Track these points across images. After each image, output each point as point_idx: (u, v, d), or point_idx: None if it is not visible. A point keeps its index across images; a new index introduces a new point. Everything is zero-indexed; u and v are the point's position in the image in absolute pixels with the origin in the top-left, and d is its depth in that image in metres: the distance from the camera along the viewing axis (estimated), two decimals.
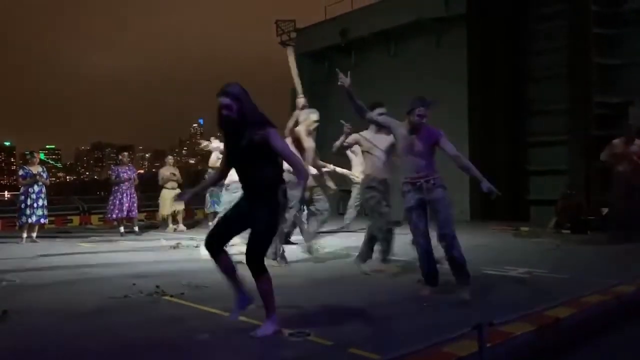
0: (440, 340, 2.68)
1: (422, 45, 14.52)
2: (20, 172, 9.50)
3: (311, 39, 17.78)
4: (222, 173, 3.83)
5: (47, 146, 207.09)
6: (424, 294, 4.48)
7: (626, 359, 3.57)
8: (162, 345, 3.32)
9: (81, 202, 13.71)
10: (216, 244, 3.53)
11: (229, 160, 3.63)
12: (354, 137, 5.59)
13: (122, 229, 10.19)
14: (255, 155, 3.43)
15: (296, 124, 6.16)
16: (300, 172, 3.54)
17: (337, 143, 5.66)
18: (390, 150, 5.35)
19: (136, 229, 10.34)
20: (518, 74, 12.07)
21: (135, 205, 10.31)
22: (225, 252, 3.56)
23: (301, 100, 6.34)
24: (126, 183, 10.19)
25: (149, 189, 15.89)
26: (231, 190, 7.92)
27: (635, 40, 11.02)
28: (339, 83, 4.51)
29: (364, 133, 5.54)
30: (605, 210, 9.82)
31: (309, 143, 6.16)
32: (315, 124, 6.14)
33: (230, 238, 3.61)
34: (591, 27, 10.87)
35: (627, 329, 3.94)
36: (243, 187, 3.59)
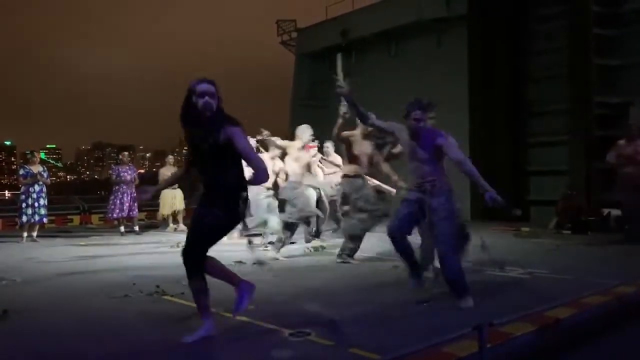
0: (440, 340, 2.68)
1: (422, 45, 14.53)
2: (21, 172, 9.51)
3: (312, 39, 17.80)
4: (186, 170, 3.65)
5: (48, 145, 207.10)
6: (423, 298, 4.26)
7: (627, 359, 3.57)
8: (162, 345, 3.32)
9: (81, 201, 13.71)
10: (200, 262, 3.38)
11: (194, 160, 3.42)
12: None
13: (122, 228, 10.19)
14: (220, 156, 3.27)
15: (342, 128, 6.13)
16: (259, 172, 3.31)
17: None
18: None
19: (136, 228, 10.34)
20: (518, 74, 12.08)
21: (135, 204, 10.32)
22: (209, 259, 3.42)
23: (343, 108, 6.03)
24: (127, 182, 10.21)
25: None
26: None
27: (636, 41, 11.03)
28: (337, 91, 4.37)
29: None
30: (606, 211, 9.83)
31: (364, 147, 6.15)
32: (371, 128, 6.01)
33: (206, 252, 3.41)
34: (591, 27, 10.87)
35: (627, 329, 3.94)
36: (204, 189, 3.41)
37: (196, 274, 3.33)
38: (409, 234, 4.36)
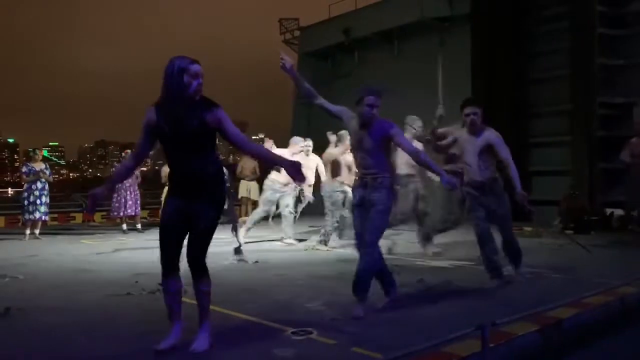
0: (442, 340, 2.67)
1: (425, 44, 14.51)
2: (24, 169, 9.53)
3: (314, 38, 17.78)
4: (137, 160, 3.28)
5: (51, 143, 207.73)
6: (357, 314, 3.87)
7: (629, 359, 3.57)
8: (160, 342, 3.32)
9: (84, 199, 13.71)
10: (171, 262, 3.14)
11: (169, 149, 3.09)
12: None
13: (124, 226, 10.20)
14: (203, 142, 3.03)
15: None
16: (274, 160, 3.16)
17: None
18: None
19: (139, 226, 10.35)
20: (521, 74, 12.04)
21: (138, 202, 10.34)
22: (178, 274, 3.17)
23: (440, 110, 5.86)
24: (129, 180, 10.20)
25: (151, 186, 15.90)
26: (277, 190, 7.94)
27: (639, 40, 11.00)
28: (280, 65, 3.92)
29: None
30: (609, 211, 9.81)
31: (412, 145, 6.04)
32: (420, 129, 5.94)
33: (180, 248, 3.16)
34: (595, 27, 10.84)
35: (630, 329, 3.93)
36: (180, 181, 3.11)
37: (205, 274, 3.16)
38: None
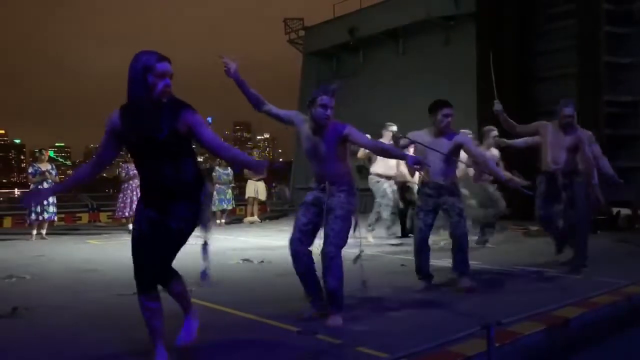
0: (448, 339, 2.66)
1: (431, 43, 14.48)
2: (30, 170, 9.57)
3: (319, 38, 17.78)
4: (96, 168, 2.98)
5: (57, 144, 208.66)
6: (304, 315, 3.78)
7: (636, 359, 3.55)
8: (171, 342, 3.33)
9: (90, 199, 13.75)
10: (149, 281, 2.87)
11: (137, 156, 2.81)
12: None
13: (130, 226, 10.20)
14: (175, 150, 2.72)
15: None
16: (245, 163, 2.88)
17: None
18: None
19: None
20: (527, 73, 12.00)
21: None
22: (158, 292, 2.91)
23: (498, 105, 5.90)
24: (135, 180, 10.23)
25: None
26: (379, 182, 8.03)
27: None
28: (224, 69, 3.67)
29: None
30: (615, 210, 9.74)
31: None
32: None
33: (161, 267, 2.89)
34: (602, 25, 10.78)
35: (637, 329, 3.91)
36: (150, 191, 2.83)
37: (178, 277, 2.97)
38: (311, 245, 3.86)
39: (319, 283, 3.84)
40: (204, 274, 3.15)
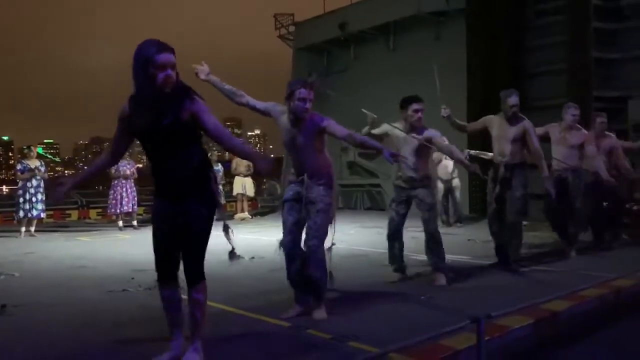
0: (438, 333, 2.68)
1: (421, 38, 14.49)
2: (19, 167, 9.50)
3: (310, 33, 17.72)
4: (112, 156, 3.03)
5: (46, 140, 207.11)
6: (288, 314, 3.77)
7: (624, 352, 3.58)
8: (161, 339, 3.32)
9: (80, 196, 13.68)
10: (167, 272, 2.90)
11: (146, 145, 2.85)
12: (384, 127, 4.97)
13: (120, 223, 10.19)
14: (181, 137, 2.75)
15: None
16: (248, 155, 2.92)
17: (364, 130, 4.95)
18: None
19: (135, 223, 10.34)
20: (518, 68, 12.04)
21: (135, 199, 10.34)
22: (176, 283, 2.93)
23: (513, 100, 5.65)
24: (126, 177, 10.21)
25: (148, 183, 15.87)
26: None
27: (635, 34, 11.01)
28: (195, 70, 3.72)
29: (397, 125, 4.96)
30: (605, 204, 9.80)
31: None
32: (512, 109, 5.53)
33: (179, 258, 2.91)
34: (591, 21, 10.85)
35: (625, 322, 3.96)
36: (162, 180, 2.86)
37: (202, 281, 2.89)
38: (301, 242, 3.87)
39: (309, 285, 3.83)
40: (232, 254, 3.26)
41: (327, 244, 3.90)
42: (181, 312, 2.95)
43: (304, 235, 3.85)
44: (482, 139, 11.62)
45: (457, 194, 10.19)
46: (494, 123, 5.61)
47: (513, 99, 5.45)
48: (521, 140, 5.46)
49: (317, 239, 3.71)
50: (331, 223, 3.87)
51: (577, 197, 6.10)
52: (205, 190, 2.84)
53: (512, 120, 5.47)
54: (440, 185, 10.11)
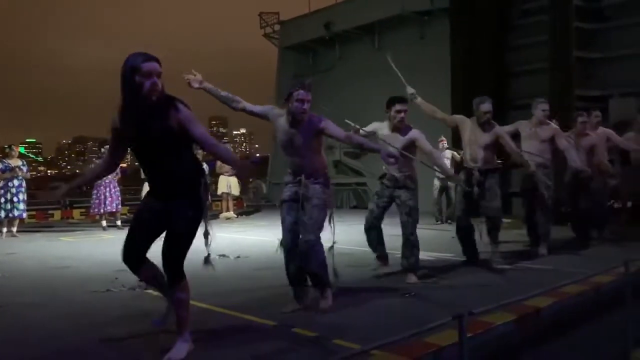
0: (421, 330, 2.70)
1: (406, 38, 14.57)
2: (0, 166, 9.36)
3: (295, 32, 17.73)
4: (109, 165, 3.21)
5: (28, 140, 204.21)
6: (287, 309, 3.85)
7: (604, 346, 3.65)
8: (144, 338, 3.31)
9: (63, 196, 13.51)
10: (135, 257, 3.11)
11: (136, 153, 2.99)
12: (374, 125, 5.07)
13: (104, 223, 10.09)
14: (172, 144, 2.85)
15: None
16: (229, 162, 3.03)
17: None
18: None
19: (119, 223, 10.25)
20: (501, 67, 12.16)
21: (119, 199, 10.24)
22: (147, 263, 3.14)
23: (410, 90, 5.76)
24: (108, 177, 10.09)
25: (132, 182, 15.75)
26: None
27: (616, 34, 11.20)
28: (186, 80, 3.78)
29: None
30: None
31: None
32: (485, 116, 5.49)
33: (149, 246, 3.11)
34: (572, 21, 10.99)
35: (605, 318, 4.02)
36: (154, 185, 3.03)
37: (182, 280, 2.99)
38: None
39: (305, 283, 3.97)
40: (207, 260, 3.34)
41: (328, 243, 3.96)
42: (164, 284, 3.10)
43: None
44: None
45: (453, 192, 10.27)
46: (467, 126, 5.62)
47: (486, 106, 5.45)
48: (493, 146, 5.51)
49: (313, 234, 3.78)
50: (329, 221, 3.95)
51: (547, 193, 6.14)
52: (194, 196, 2.94)
53: (485, 126, 5.49)
54: (436, 183, 10.20)
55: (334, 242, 4.03)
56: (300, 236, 3.83)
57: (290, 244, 3.89)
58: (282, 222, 3.95)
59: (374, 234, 5.12)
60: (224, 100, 3.93)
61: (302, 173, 3.85)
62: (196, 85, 3.78)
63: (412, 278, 4.83)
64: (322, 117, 3.83)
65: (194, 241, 3.00)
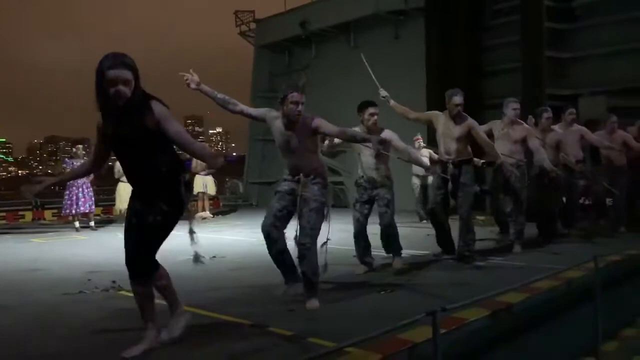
0: (395, 327, 2.72)
1: (381, 37, 14.63)
2: None
3: (271, 31, 17.65)
4: (94, 165, 3.22)
5: None
6: (278, 292, 4.10)
7: (576, 340, 3.73)
8: (119, 340, 3.27)
9: (34, 196, 13.24)
10: (136, 269, 3.04)
11: (116, 153, 3.01)
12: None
13: (77, 224, 9.91)
14: (149, 144, 2.86)
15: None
16: (205, 158, 2.98)
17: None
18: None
19: (92, 224, 10.08)
20: (475, 67, 12.32)
21: (93, 199, 10.04)
22: (149, 282, 3.06)
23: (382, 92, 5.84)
24: (82, 178, 9.91)
25: (104, 182, 15.49)
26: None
27: (586, 34, 11.45)
28: (185, 80, 3.85)
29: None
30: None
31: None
32: (457, 108, 5.50)
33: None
34: (543, 21, 11.19)
35: (576, 312, 4.11)
36: (134, 185, 3.05)
37: (156, 270, 3.02)
38: (284, 229, 4.07)
39: (292, 259, 4.07)
40: (196, 258, 3.44)
41: (322, 238, 4.04)
42: (153, 305, 3.08)
43: (295, 233, 3.94)
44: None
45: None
46: (440, 120, 5.71)
47: (458, 98, 5.53)
48: (466, 138, 5.59)
49: (310, 238, 3.85)
50: (326, 221, 4.03)
51: (520, 191, 6.25)
52: (173, 193, 2.95)
53: (457, 119, 5.57)
54: (416, 181, 10.21)
55: (327, 239, 4.11)
56: (297, 238, 3.91)
57: (270, 228, 3.97)
58: (268, 209, 4.02)
59: (363, 243, 5.28)
60: (221, 103, 3.99)
61: (300, 173, 3.93)
62: (193, 86, 3.83)
63: (398, 263, 5.27)
64: (314, 117, 3.92)
65: (167, 242, 2.99)
